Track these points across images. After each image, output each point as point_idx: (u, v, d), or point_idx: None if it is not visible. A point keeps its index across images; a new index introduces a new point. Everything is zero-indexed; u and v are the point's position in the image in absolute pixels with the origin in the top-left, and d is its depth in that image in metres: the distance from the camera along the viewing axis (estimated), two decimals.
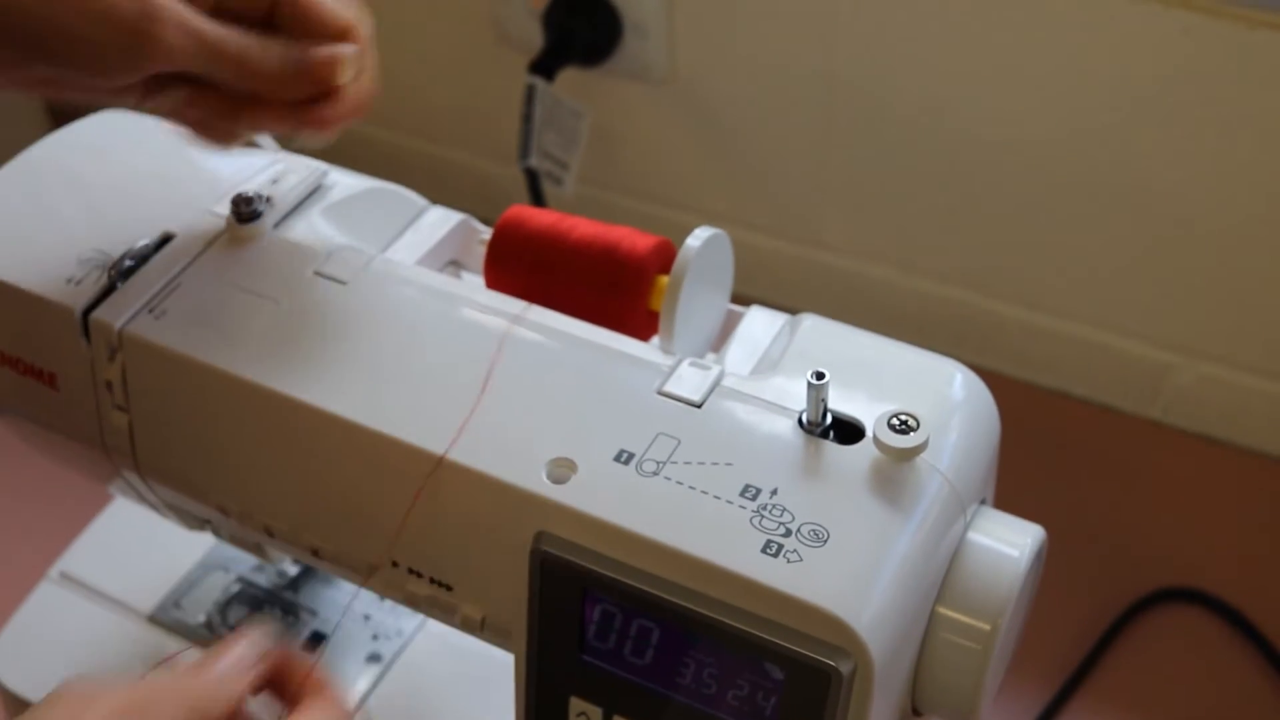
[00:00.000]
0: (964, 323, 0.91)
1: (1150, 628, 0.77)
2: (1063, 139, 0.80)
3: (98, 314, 0.51)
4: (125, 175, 0.57)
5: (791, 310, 0.51)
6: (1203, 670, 0.75)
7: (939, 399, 0.46)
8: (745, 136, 0.90)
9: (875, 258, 0.91)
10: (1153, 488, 0.84)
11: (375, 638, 0.67)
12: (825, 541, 0.41)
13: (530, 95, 0.85)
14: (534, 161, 0.86)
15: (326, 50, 0.48)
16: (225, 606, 0.68)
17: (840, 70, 0.83)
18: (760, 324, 0.51)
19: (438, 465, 0.45)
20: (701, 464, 0.44)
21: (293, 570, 0.69)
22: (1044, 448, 0.86)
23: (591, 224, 0.52)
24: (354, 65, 0.48)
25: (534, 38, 0.88)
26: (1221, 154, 0.76)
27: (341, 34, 0.49)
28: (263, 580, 0.69)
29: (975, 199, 0.85)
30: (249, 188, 0.54)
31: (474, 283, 0.55)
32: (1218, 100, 0.74)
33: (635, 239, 0.51)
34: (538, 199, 0.88)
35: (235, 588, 0.69)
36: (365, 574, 0.50)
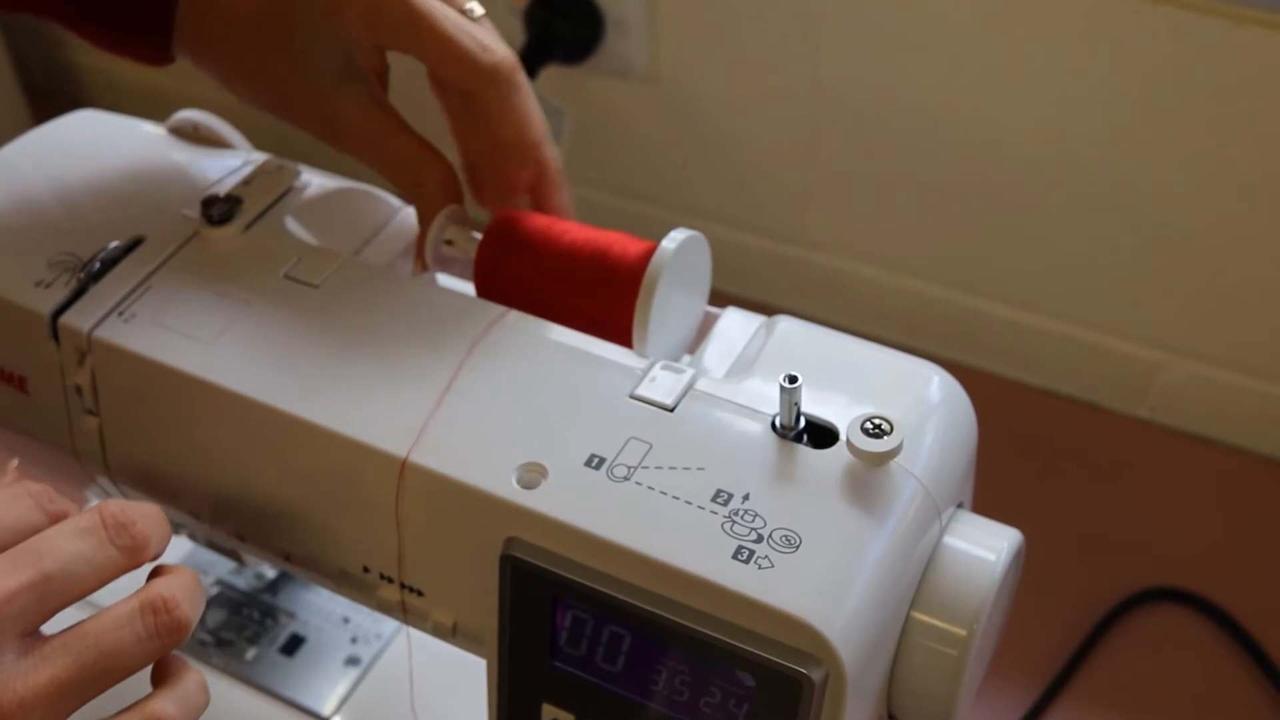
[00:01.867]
0: (950, 321, 0.90)
1: (1136, 628, 0.76)
2: (1049, 136, 0.79)
3: (67, 318, 0.50)
4: (97, 176, 0.56)
5: (776, 309, 0.51)
6: (1189, 670, 0.74)
7: (915, 402, 0.46)
8: (729, 134, 0.89)
9: (861, 256, 0.91)
10: (1140, 486, 0.84)
11: (354, 641, 0.66)
12: (797, 547, 0.41)
13: None
14: None
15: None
16: (203, 609, 0.68)
17: (825, 67, 0.82)
18: (736, 325, 0.50)
19: (403, 469, 0.44)
20: (673, 469, 0.43)
21: (271, 573, 0.69)
22: (1030, 446, 0.86)
23: (583, 228, 0.52)
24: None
25: (515, 35, 0.87)
26: (1209, 151, 0.76)
27: (531, 148, 0.52)
28: (241, 583, 0.69)
29: (961, 197, 0.84)
30: (220, 189, 0.53)
31: (446, 285, 0.54)
32: (1205, 98, 0.74)
33: (627, 244, 0.50)
34: None
35: (213, 590, 0.68)
36: (336, 579, 0.49)
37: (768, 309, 0.51)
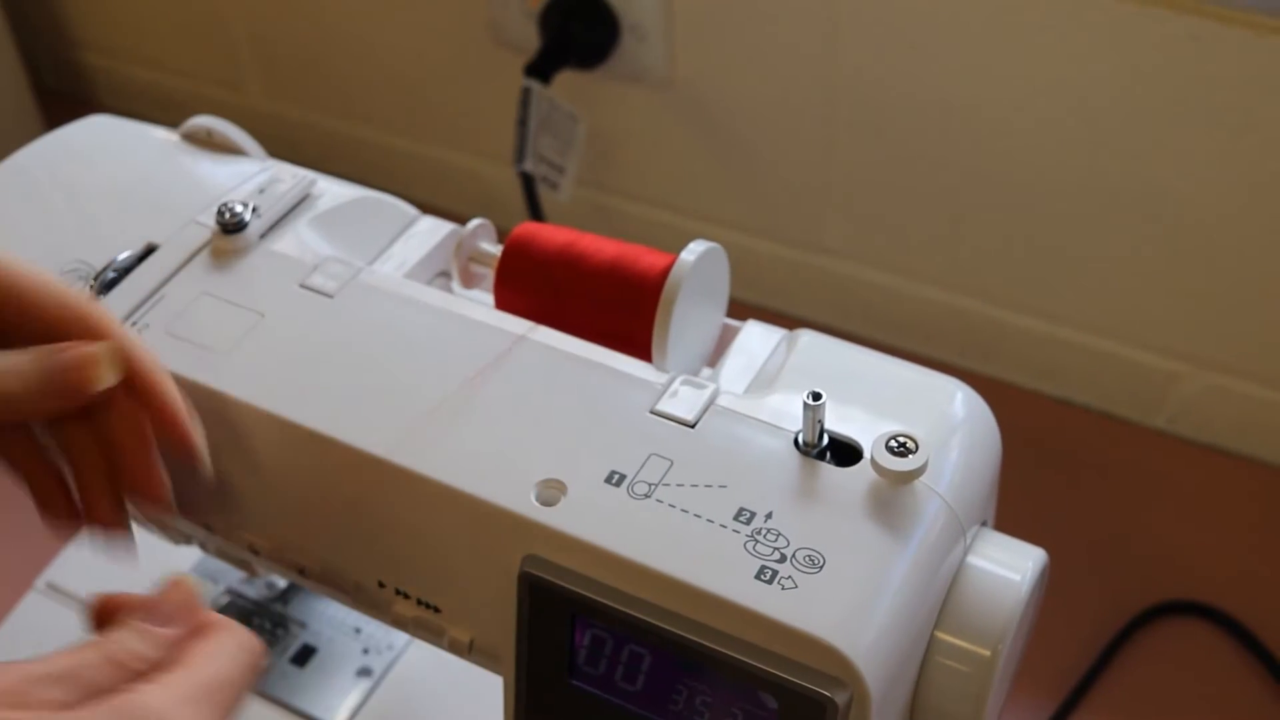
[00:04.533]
0: (966, 330, 0.89)
1: (1155, 641, 0.76)
2: (1069, 145, 0.79)
3: None
4: (110, 183, 0.56)
5: (790, 316, 0.50)
6: (1208, 685, 0.74)
7: (939, 419, 0.45)
8: (745, 140, 0.88)
9: (878, 264, 0.90)
10: (1158, 498, 0.83)
11: (366, 651, 0.66)
12: (821, 567, 0.40)
13: (526, 98, 0.84)
14: (529, 165, 0.85)
15: (74, 349, 0.42)
16: None
17: (842, 73, 0.82)
18: (756, 339, 0.50)
19: (420, 485, 0.44)
20: (695, 486, 0.42)
21: (282, 583, 0.68)
22: (1048, 456, 0.85)
23: (601, 240, 0.51)
24: (113, 362, 0.42)
25: (531, 39, 0.87)
26: (1230, 161, 0.75)
27: (84, 322, 0.43)
28: (252, 592, 0.68)
29: (980, 205, 0.84)
30: (235, 197, 0.53)
31: (463, 295, 0.54)
32: (1226, 107, 0.73)
33: (646, 257, 0.50)
34: (533, 203, 0.87)
35: (224, 600, 0.68)
36: (351, 594, 0.49)
37: (782, 316, 0.51)
